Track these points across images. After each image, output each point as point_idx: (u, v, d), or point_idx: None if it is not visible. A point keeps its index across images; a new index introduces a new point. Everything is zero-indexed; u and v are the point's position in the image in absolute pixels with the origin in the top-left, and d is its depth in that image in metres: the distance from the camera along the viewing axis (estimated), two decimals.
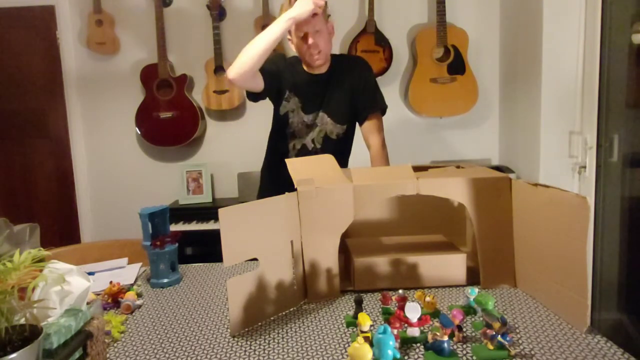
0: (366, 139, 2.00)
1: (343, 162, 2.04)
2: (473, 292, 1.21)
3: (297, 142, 1.98)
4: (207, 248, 3.13)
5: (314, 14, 1.78)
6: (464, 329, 1.09)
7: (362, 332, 1.02)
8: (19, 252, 0.85)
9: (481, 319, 1.14)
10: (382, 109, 2.00)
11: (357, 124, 2.03)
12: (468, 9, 3.34)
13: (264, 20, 3.26)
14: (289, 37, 1.89)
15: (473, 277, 1.39)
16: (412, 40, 3.32)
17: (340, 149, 2.02)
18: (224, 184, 3.52)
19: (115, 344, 1.14)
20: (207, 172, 3.38)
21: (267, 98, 1.96)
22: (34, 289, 0.87)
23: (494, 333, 1.01)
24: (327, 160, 1.52)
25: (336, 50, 3.29)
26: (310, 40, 1.81)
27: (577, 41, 2.49)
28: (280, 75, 1.93)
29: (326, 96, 1.93)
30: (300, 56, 1.91)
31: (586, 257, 1.09)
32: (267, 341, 1.12)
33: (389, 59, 3.28)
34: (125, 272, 1.62)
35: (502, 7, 3.31)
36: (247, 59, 1.73)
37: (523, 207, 1.31)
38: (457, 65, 3.19)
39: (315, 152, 1.97)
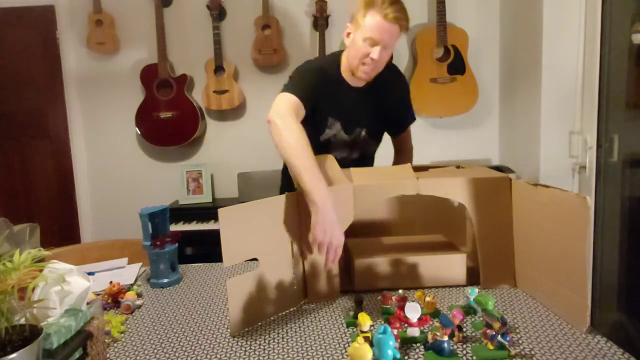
0: (400, 145, 1.95)
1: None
2: (473, 292, 1.21)
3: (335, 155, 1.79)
4: (207, 248, 3.12)
5: (401, 28, 1.55)
6: (464, 329, 1.09)
7: (362, 332, 1.03)
8: (19, 252, 0.85)
9: (481, 319, 1.14)
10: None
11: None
12: (468, 9, 3.34)
13: (264, 21, 3.26)
14: (348, 25, 1.62)
15: (473, 277, 1.39)
16: (412, 40, 3.32)
17: (371, 160, 1.95)
18: (224, 184, 3.52)
19: (115, 344, 1.14)
20: (207, 172, 3.38)
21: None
22: (34, 289, 0.87)
23: (494, 333, 1.01)
24: (327, 160, 1.52)
25: (335, 48, 3.27)
26: (376, 54, 1.56)
27: (577, 41, 2.49)
28: (319, 101, 1.64)
29: (365, 113, 1.78)
30: (350, 58, 1.63)
31: (586, 257, 1.09)
32: (267, 341, 1.12)
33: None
34: (125, 272, 1.62)
35: (502, 7, 3.31)
36: (278, 146, 1.40)
37: (523, 207, 1.31)
38: (457, 65, 3.18)
39: (353, 163, 1.83)
